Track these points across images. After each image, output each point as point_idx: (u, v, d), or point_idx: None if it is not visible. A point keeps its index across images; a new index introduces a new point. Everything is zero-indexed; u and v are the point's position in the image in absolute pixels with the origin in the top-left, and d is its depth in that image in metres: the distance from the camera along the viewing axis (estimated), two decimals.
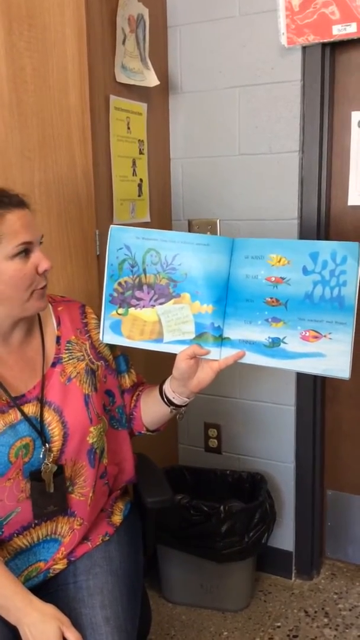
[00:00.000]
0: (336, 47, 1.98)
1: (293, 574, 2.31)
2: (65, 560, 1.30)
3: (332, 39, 1.89)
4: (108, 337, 1.29)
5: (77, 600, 1.25)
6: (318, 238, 2.06)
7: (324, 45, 1.94)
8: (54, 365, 1.29)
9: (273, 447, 2.25)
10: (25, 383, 1.25)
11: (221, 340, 1.25)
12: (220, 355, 1.25)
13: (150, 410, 1.40)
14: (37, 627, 1.12)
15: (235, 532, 1.99)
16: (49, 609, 1.15)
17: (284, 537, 2.29)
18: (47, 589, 1.28)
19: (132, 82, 1.91)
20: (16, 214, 1.17)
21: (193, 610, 2.13)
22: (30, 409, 1.23)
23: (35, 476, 1.22)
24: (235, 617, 2.10)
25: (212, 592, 2.12)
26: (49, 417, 1.24)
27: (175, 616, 2.12)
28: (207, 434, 2.36)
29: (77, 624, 1.21)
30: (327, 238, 2.11)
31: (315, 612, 2.12)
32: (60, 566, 1.29)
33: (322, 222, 2.06)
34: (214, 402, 2.31)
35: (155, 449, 2.11)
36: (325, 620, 2.07)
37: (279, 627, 2.05)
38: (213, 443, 2.36)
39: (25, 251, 1.18)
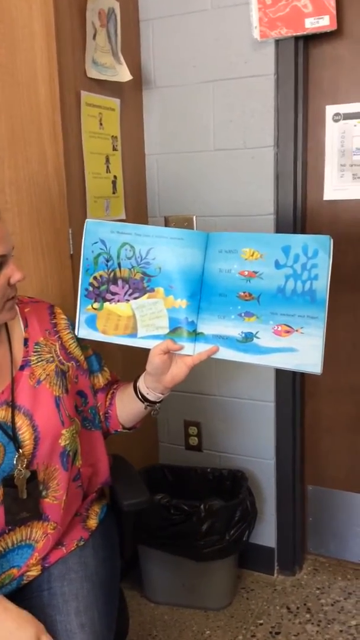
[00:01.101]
0: (309, 41, 1.97)
1: (275, 570, 2.30)
2: (39, 567, 1.27)
3: (305, 32, 1.88)
4: (83, 331, 1.27)
5: (51, 606, 1.23)
6: (294, 233, 2.04)
7: (297, 38, 1.92)
8: (22, 368, 1.26)
9: (253, 444, 2.24)
10: None
11: (195, 335, 1.23)
12: (194, 351, 1.24)
13: (126, 407, 1.38)
14: (14, 634, 1.10)
15: (216, 530, 1.98)
16: (25, 615, 1.13)
17: (266, 534, 2.28)
18: (21, 596, 1.26)
19: (103, 78, 1.88)
20: None
21: (175, 610, 2.12)
22: (0, 414, 1.20)
23: (7, 482, 1.20)
24: (218, 615, 2.10)
25: (193, 591, 2.11)
26: (19, 421, 1.21)
27: (157, 616, 2.10)
28: (187, 431, 2.35)
29: (51, 631, 1.19)
30: (303, 233, 2.09)
31: (298, 608, 2.12)
32: (34, 572, 1.27)
33: (298, 217, 2.05)
34: (193, 399, 2.29)
35: (135, 448, 2.10)
36: (308, 616, 2.07)
37: (261, 624, 2.05)
38: (193, 441, 2.34)
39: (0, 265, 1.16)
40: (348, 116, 1.97)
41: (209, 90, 2.06)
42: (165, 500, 2.00)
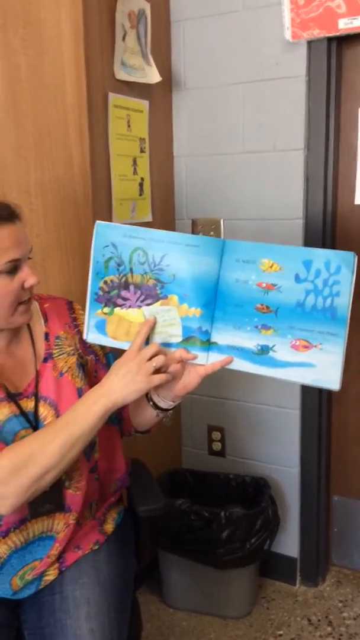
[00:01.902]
0: (342, 42, 1.92)
1: (297, 581, 2.26)
2: (56, 570, 1.27)
3: (338, 33, 1.84)
4: (92, 336, 1.25)
5: (62, 610, 1.22)
6: (324, 238, 2.00)
7: (329, 39, 1.88)
8: (45, 360, 1.28)
9: (277, 451, 2.21)
10: (20, 381, 1.24)
11: (208, 344, 1.21)
12: (207, 360, 1.21)
13: (138, 412, 1.37)
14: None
15: (237, 538, 1.95)
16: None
17: (289, 543, 2.24)
18: (34, 599, 1.26)
19: (132, 79, 1.87)
20: (6, 230, 1.15)
21: (194, 616, 2.10)
22: (28, 404, 1.22)
23: None
24: (237, 624, 2.07)
25: (213, 598, 2.09)
26: (45, 411, 1.23)
27: (175, 622, 2.09)
28: (211, 437, 2.32)
29: (61, 635, 1.19)
30: (333, 238, 2.05)
31: (319, 620, 2.07)
32: (51, 577, 1.27)
33: (327, 222, 2.00)
34: (217, 404, 2.27)
35: (158, 451, 2.09)
36: (329, 629, 2.03)
37: (280, 635, 2.01)
38: (217, 446, 2.32)
39: (13, 268, 1.16)
40: None
41: (239, 92, 2.03)
42: (186, 506, 1.98)
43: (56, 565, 1.27)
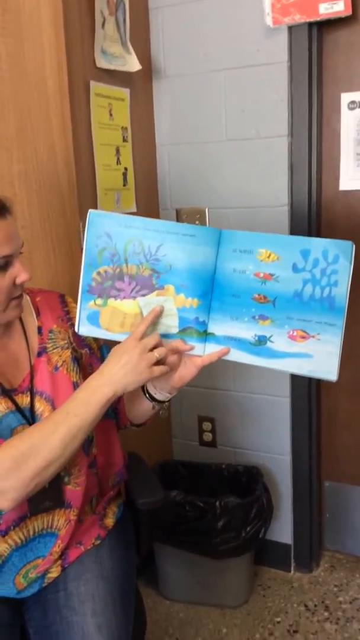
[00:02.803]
0: (323, 27, 1.92)
1: (292, 567, 2.27)
2: (59, 567, 1.25)
3: (318, 18, 1.83)
4: (84, 328, 1.22)
5: (67, 607, 1.20)
6: (309, 225, 2.00)
7: (310, 24, 1.87)
8: (39, 355, 1.25)
9: (269, 440, 2.21)
10: (14, 377, 1.22)
11: (205, 335, 1.19)
12: (204, 351, 1.20)
13: (134, 405, 1.35)
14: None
15: (232, 527, 1.94)
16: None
17: (282, 530, 2.25)
18: (37, 597, 1.24)
19: (113, 67, 1.84)
20: None
21: (191, 607, 2.10)
22: (23, 400, 1.20)
23: None
24: (234, 613, 2.07)
25: (209, 589, 2.08)
26: (41, 407, 1.21)
27: (173, 614, 2.08)
28: (202, 427, 2.31)
29: (68, 632, 1.17)
30: (318, 225, 2.05)
31: (316, 605, 2.08)
32: (54, 574, 1.25)
33: (313, 209, 2.00)
34: (207, 395, 2.26)
35: (149, 444, 2.07)
36: (326, 614, 2.04)
37: (279, 622, 2.01)
38: (208, 437, 2.31)
39: (4, 264, 1.14)
40: None
41: (220, 79, 2.01)
42: (180, 497, 1.97)
43: (59, 562, 1.25)
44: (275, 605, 2.10)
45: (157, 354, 1.14)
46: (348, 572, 2.24)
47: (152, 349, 1.15)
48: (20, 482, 1.08)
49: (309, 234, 2.00)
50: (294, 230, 2.00)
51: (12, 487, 1.08)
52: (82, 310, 1.21)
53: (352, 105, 1.94)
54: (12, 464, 1.07)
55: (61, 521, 1.24)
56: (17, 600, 1.24)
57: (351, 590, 2.14)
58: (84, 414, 1.12)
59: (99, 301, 1.21)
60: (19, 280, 1.16)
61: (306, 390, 2.13)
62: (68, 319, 1.32)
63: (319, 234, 2.05)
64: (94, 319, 1.21)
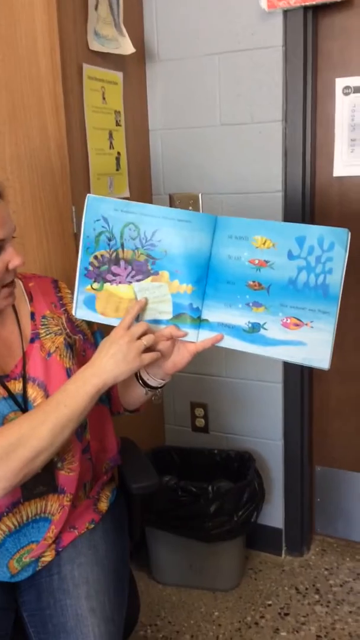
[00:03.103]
0: (318, 11, 1.90)
1: (283, 551, 2.29)
2: (53, 551, 1.26)
3: (314, 2, 1.81)
4: (81, 312, 1.22)
5: (61, 590, 1.21)
6: (303, 211, 2.00)
7: (305, 8, 1.86)
8: (32, 341, 1.24)
9: (261, 425, 2.22)
10: (6, 363, 1.21)
11: (199, 322, 1.19)
12: (198, 338, 1.20)
13: (127, 391, 1.35)
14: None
15: (224, 511, 1.96)
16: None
17: (274, 515, 2.27)
18: (31, 581, 1.25)
19: (106, 50, 1.82)
20: None
21: (183, 591, 2.12)
22: (16, 386, 1.19)
23: None
24: (226, 596, 2.09)
25: (201, 572, 2.10)
26: (34, 393, 1.20)
27: (165, 597, 2.10)
28: (194, 413, 2.32)
29: (61, 615, 1.18)
30: (312, 211, 2.05)
31: (306, 589, 2.11)
32: (48, 558, 1.26)
33: (307, 194, 2.00)
34: (200, 381, 2.26)
35: (141, 429, 2.08)
36: (317, 597, 2.06)
37: (270, 605, 2.04)
38: (200, 422, 2.32)
39: None
40: (359, 89, 1.91)
41: (214, 63, 1.99)
42: (173, 482, 1.98)
43: (53, 546, 1.26)
44: (266, 588, 2.12)
45: (145, 341, 1.14)
46: (338, 555, 2.27)
47: (140, 337, 1.14)
48: (10, 472, 1.08)
49: (303, 220, 2.00)
50: (288, 216, 2.00)
51: (1, 476, 1.08)
52: (79, 294, 1.22)
53: (347, 90, 1.93)
54: (2, 454, 1.07)
55: (55, 506, 1.24)
56: (11, 584, 1.24)
57: (341, 574, 2.17)
58: (73, 404, 1.12)
59: (96, 285, 1.21)
60: (11, 265, 1.15)
61: (299, 377, 2.14)
62: (62, 304, 1.32)
63: (312, 220, 2.05)
64: (90, 303, 1.22)
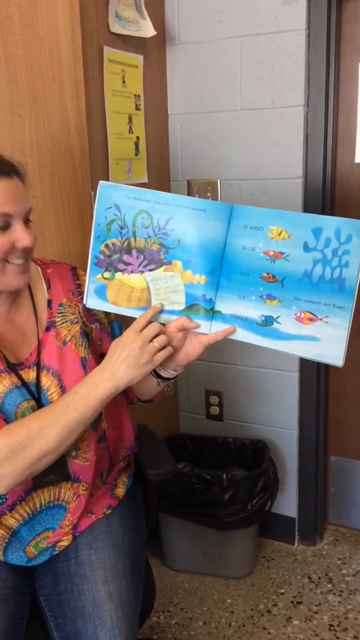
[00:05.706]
0: None
1: (296, 540, 2.29)
2: (70, 535, 1.26)
3: None
4: (92, 301, 1.21)
5: (79, 575, 1.21)
6: (323, 198, 1.97)
7: None
8: (47, 329, 1.23)
9: (276, 414, 2.21)
10: (21, 351, 1.20)
11: (212, 313, 1.17)
12: (210, 330, 1.18)
13: (139, 382, 1.33)
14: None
15: (238, 500, 1.96)
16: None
17: (287, 504, 2.27)
18: (48, 565, 1.25)
19: (127, 33, 1.80)
20: (1, 184, 1.09)
21: (196, 578, 2.12)
22: (30, 374, 1.19)
23: None
24: (239, 584, 2.09)
25: (215, 560, 2.10)
26: (48, 381, 1.20)
27: (178, 584, 2.10)
28: (209, 401, 2.31)
29: (79, 599, 1.18)
30: (332, 198, 2.02)
31: (319, 578, 2.10)
32: (65, 542, 1.26)
33: (327, 181, 1.97)
34: (215, 368, 2.25)
35: (155, 417, 2.07)
36: (329, 586, 2.06)
37: (282, 593, 2.04)
38: (214, 410, 2.31)
39: (4, 223, 1.10)
40: None
41: (236, 47, 1.96)
42: (188, 470, 1.97)
43: (70, 531, 1.26)
44: (279, 576, 2.12)
45: (157, 344, 1.13)
46: (352, 545, 2.26)
47: (152, 339, 1.13)
48: (16, 470, 1.09)
49: (323, 207, 1.97)
50: (308, 203, 1.97)
51: (7, 474, 1.08)
52: (90, 282, 1.20)
53: None
54: (9, 452, 1.08)
55: (69, 494, 1.24)
56: (28, 568, 1.25)
57: (354, 564, 2.16)
58: (83, 408, 1.12)
59: (107, 274, 1.19)
60: (20, 245, 1.12)
61: (315, 365, 2.12)
62: (79, 292, 1.30)
63: (332, 208, 2.03)
64: (101, 292, 1.20)
